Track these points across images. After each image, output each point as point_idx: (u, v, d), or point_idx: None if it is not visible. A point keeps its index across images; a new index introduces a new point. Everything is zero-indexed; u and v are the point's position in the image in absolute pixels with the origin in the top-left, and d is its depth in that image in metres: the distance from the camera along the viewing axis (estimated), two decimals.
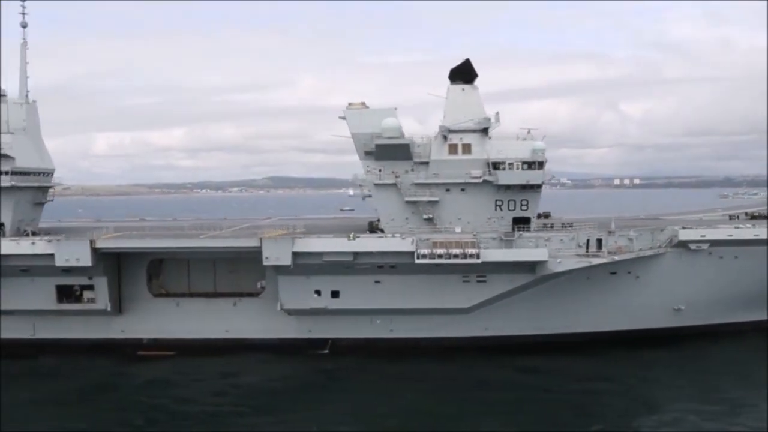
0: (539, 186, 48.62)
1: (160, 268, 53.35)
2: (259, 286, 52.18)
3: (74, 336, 51.53)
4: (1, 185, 50.27)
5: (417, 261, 45.71)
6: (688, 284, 49.76)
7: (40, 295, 50.16)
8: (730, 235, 48.77)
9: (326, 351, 50.55)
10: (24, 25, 53.62)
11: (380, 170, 49.16)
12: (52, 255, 47.29)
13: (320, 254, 46.96)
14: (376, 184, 49.38)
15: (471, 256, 45.38)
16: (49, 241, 47.78)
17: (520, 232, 47.69)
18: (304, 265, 47.01)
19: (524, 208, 48.90)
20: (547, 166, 48.61)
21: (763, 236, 48.47)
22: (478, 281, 48.20)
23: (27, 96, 53.64)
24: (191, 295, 52.82)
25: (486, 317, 49.50)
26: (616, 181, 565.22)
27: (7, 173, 50.02)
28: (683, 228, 48.74)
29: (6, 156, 50.28)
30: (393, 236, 47.35)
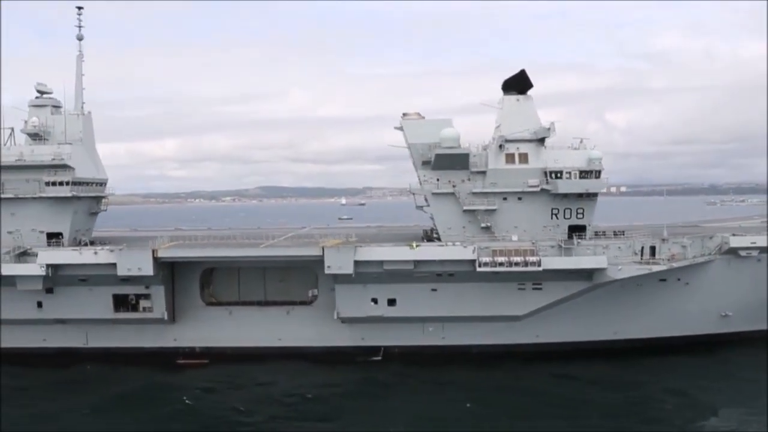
0: (595, 194, 49.71)
1: (210, 277, 53.89)
2: (310, 294, 52.90)
3: (127, 345, 52.10)
4: (61, 195, 50.70)
5: (479, 269, 46.66)
6: (736, 290, 50.97)
7: (98, 304, 50.68)
8: None
9: (379, 358, 51.24)
10: (80, 38, 54.28)
11: (438, 179, 50.04)
12: (114, 264, 47.86)
13: (381, 263, 47.79)
14: (434, 194, 50.27)
15: (532, 263, 46.42)
16: (111, 250, 48.29)
17: (579, 240, 48.70)
18: (362, 273, 47.77)
19: (580, 216, 49.99)
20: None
21: None
22: (534, 289, 49.17)
23: (82, 107, 54.13)
24: (242, 303, 53.39)
25: (537, 324, 50.40)
26: (604, 189, 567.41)
27: (67, 183, 50.44)
28: (734, 235, 49.99)
29: (67, 166, 50.74)
30: (454, 245, 48.26)
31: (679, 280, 50.18)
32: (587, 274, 47.87)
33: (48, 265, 48.12)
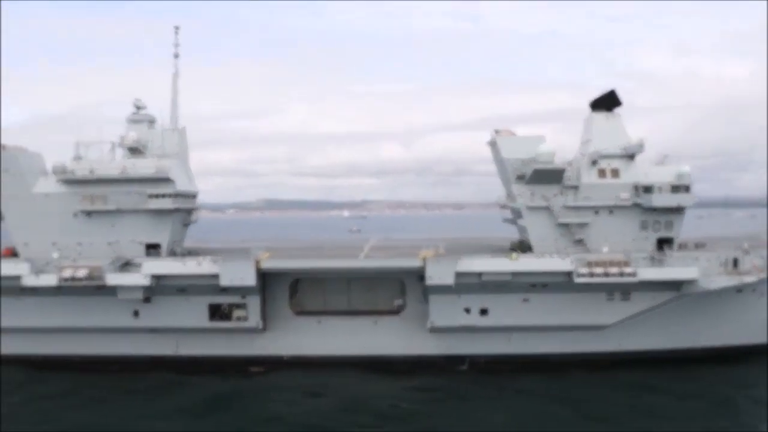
0: (683, 208, 51.26)
1: (296, 286, 55.07)
2: (395, 304, 54.13)
3: (216, 353, 53.06)
4: (164, 208, 52.03)
5: (577, 280, 48.06)
6: None
7: (193, 313, 51.89)
8: None
9: (465, 367, 52.35)
10: (176, 56, 55.90)
11: (532, 194, 51.54)
12: (215, 275, 49.08)
13: (480, 274, 49.14)
14: (528, 207, 51.75)
15: (629, 274, 47.90)
16: (215, 261, 49.48)
17: (670, 252, 50.15)
18: (458, 284, 49.04)
19: (669, 228, 51.45)
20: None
21: None
22: (622, 299, 50.59)
23: (177, 122, 55.66)
24: (328, 313, 54.54)
25: (620, 332, 51.74)
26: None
27: (170, 196, 51.79)
28: None
29: (169, 179, 52.12)
30: (551, 256, 49.66)
31: (754, 291, 51.68)
32: (676, 285, 49.33)
33: (152, 276, 49.46)
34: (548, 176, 50.74)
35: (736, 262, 51.09)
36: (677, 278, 48.58)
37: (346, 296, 55.13)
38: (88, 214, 52.82)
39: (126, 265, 50.77)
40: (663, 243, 51.61)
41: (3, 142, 53.28)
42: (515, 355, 52.15)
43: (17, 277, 50.33)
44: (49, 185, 53.19)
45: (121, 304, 51.60)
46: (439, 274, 48.37)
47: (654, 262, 49.56)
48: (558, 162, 51.94)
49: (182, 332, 53.00)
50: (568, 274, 48.74)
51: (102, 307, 51.93)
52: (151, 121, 55.62)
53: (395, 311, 54.05)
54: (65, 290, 50.45)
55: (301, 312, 54.37)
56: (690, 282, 48.74)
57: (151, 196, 51.82)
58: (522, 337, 52.20)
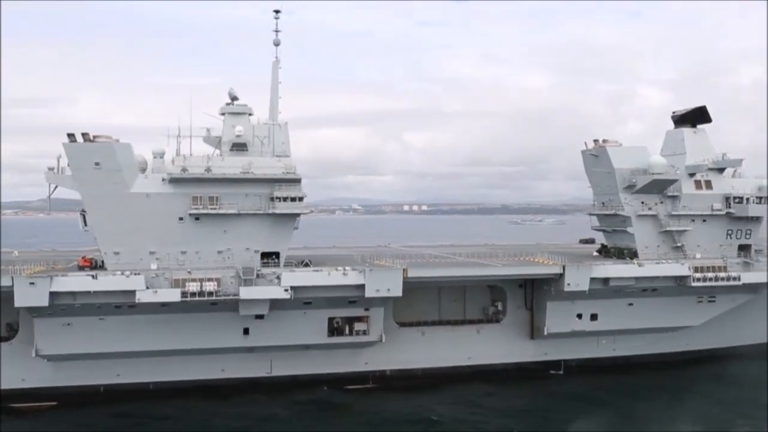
0: (761, 218, 56.79)
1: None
2: (490, 312, 54.28)
3: (313, 372, 49.75)
4: (294, 212, 47.07)
5: (693, 284, 51.60)
6: None
7: (312, 329, 48.06)
8: None
9: (561, 372, 53.99)
10: (277, 43, 50.50)
11: (642, 202, 54.10)
12: (360, 285, 45.75)
13: (607, 279, 50.81)
14: (638, 215, 54.20)
15: (734, 278, 52.45)
16: (361, 271, 45.97)
17: (756, 257, 55.47)
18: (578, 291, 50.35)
19: (748, 236, 56.73)
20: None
21: None
22: (709, 301, 55.15)
23: (278, 117, 50.25)
24: (432, 323, 53.07)
25: (704, 332, 56.31)
26: (406, 207, 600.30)
27: (300, 199, 46.80)
28: None
29: (298, 180, 47.08)
30: (668, 262, 52.64)
31: None
32: (753, 287, 54.78)
33: (292, 288, 44.73)
34: (662, 186, 53.61)
35: None
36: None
37: (437, 306, 53.84)
38: (197, 218, 46.12)
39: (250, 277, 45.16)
40: (742, 249, 56.78)
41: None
42: (605, 358, 54.66)
43: (127, 293, 42.82)
44: (151, 184, 45.54)
45: (227, 323, 46.08)
46: (576, 281, 49.30)
47: (747, 266, 54.47)
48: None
49: (277, 351, 48.49)
50: (681, 279, 52.04)
51: (206, 326, 45.97)
52: (251, 114, 49.57)
53: (496, 320, 53.88)
54: (154, 308, 44.15)
55: (405, 324, 52.10)
56: None
57: (278, 199, 46.38)
58: (610, 340, 54.74)
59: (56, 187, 45.70)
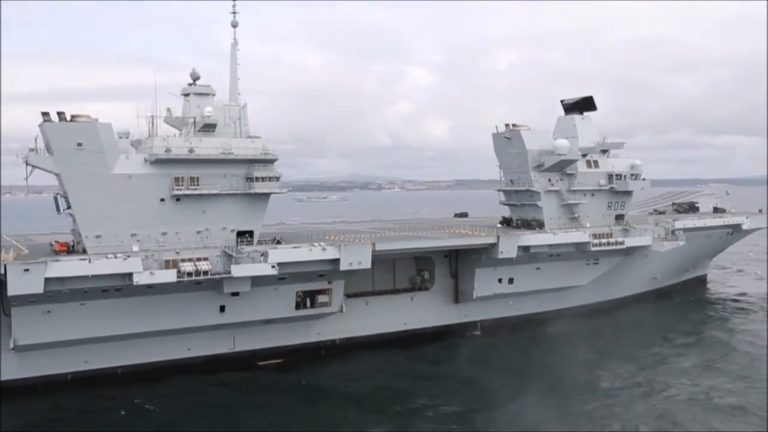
0: (632, 191, 67.74)
1: None
2: (417, 281, 60.29)
3: (273, 345, 52.31)
4: (272, 192, 48.62)
5: (592, 249, 61.18)
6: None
7: (281, 303, 50.50)
8: None
9: (478, 332, 61.49)
10: (234, 25, 51.21)
11: (549, 179, 62.48)
12: (335, 260, 48.97)
13: (528, 247, 58.60)
14: (547, 191, 62.51)
15: (619, 243, 62.92)
16: (337, 246, 49.04)
17: (630, 225, 66.40)
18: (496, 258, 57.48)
19: (622, 207, 67.57)
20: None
21: None
22: (594, 263, 65.38)
23: (238, 98, 51.16)
24: (371, 293, 57.64)
25: (589, 290, 66.32)
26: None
27: (276, 179, 48.52)
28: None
29: (274, 161, 48.69)
30: (576, 230, 61.60)
31: (646, 257, 70.78)
32: (631, 249, 65.75)
33: (279, 264, 46.76)
34: (564, 165, 62.30)
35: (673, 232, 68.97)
36: (643, 245, 65.10)
37: (371, 277, 57.79)
38: (178, 199, 46.18)
39: (229, 256, 46.39)
40: (618, 218, 67.54)
41: None
42: (513, 317, 62.66)
43: (124, 276, 42.28)
44: (133, 165, 44.70)
45: (203, 301, 47.09)
46: (507, 249, 56.39)
47: (626, 233, 65.17)
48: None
49: (239, 327, 50.35)
50: (581, 244, 61.31)
51: (189, 305, 46.66)
52: (214, 95, 50.01)
53: (425, 287, 59.60)
54: (140, 290, 44.16)
55: (351, 294, 55.77)
56: (643, 247, 65.68)
57: (256, 179, 47.73)
58: (516, 301, 62.71)
59: (33, 169, 42.98)
